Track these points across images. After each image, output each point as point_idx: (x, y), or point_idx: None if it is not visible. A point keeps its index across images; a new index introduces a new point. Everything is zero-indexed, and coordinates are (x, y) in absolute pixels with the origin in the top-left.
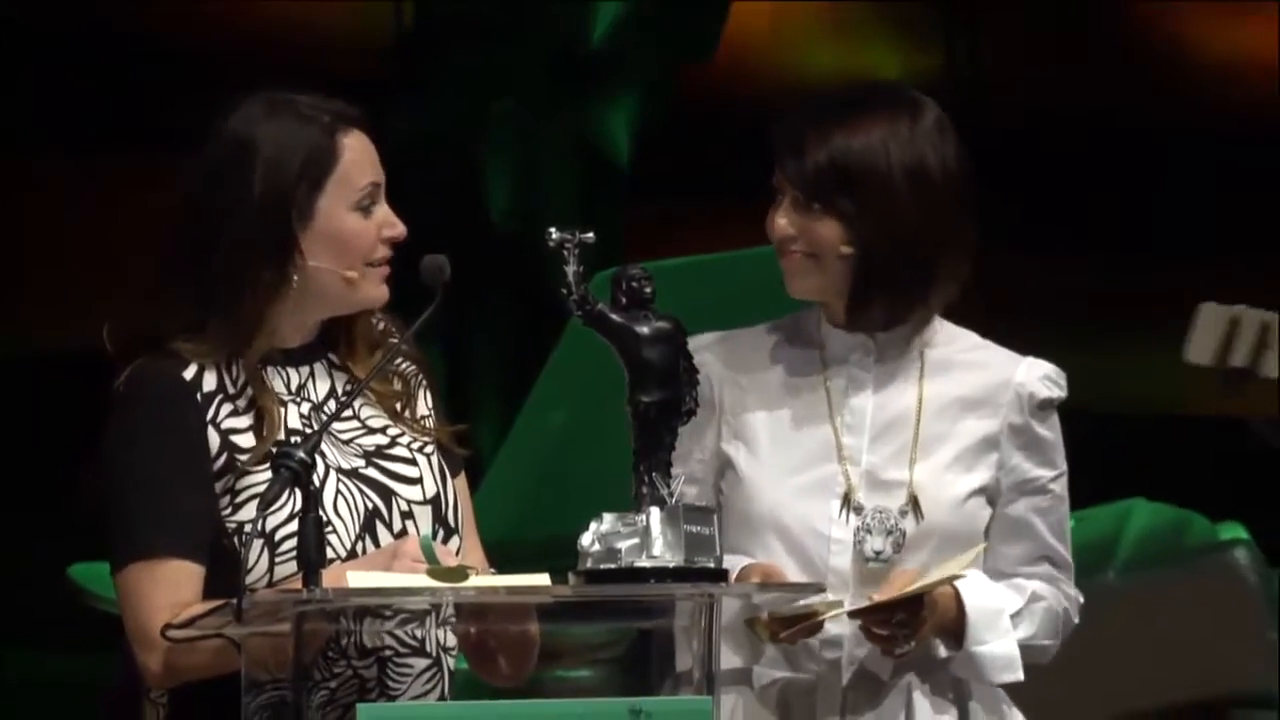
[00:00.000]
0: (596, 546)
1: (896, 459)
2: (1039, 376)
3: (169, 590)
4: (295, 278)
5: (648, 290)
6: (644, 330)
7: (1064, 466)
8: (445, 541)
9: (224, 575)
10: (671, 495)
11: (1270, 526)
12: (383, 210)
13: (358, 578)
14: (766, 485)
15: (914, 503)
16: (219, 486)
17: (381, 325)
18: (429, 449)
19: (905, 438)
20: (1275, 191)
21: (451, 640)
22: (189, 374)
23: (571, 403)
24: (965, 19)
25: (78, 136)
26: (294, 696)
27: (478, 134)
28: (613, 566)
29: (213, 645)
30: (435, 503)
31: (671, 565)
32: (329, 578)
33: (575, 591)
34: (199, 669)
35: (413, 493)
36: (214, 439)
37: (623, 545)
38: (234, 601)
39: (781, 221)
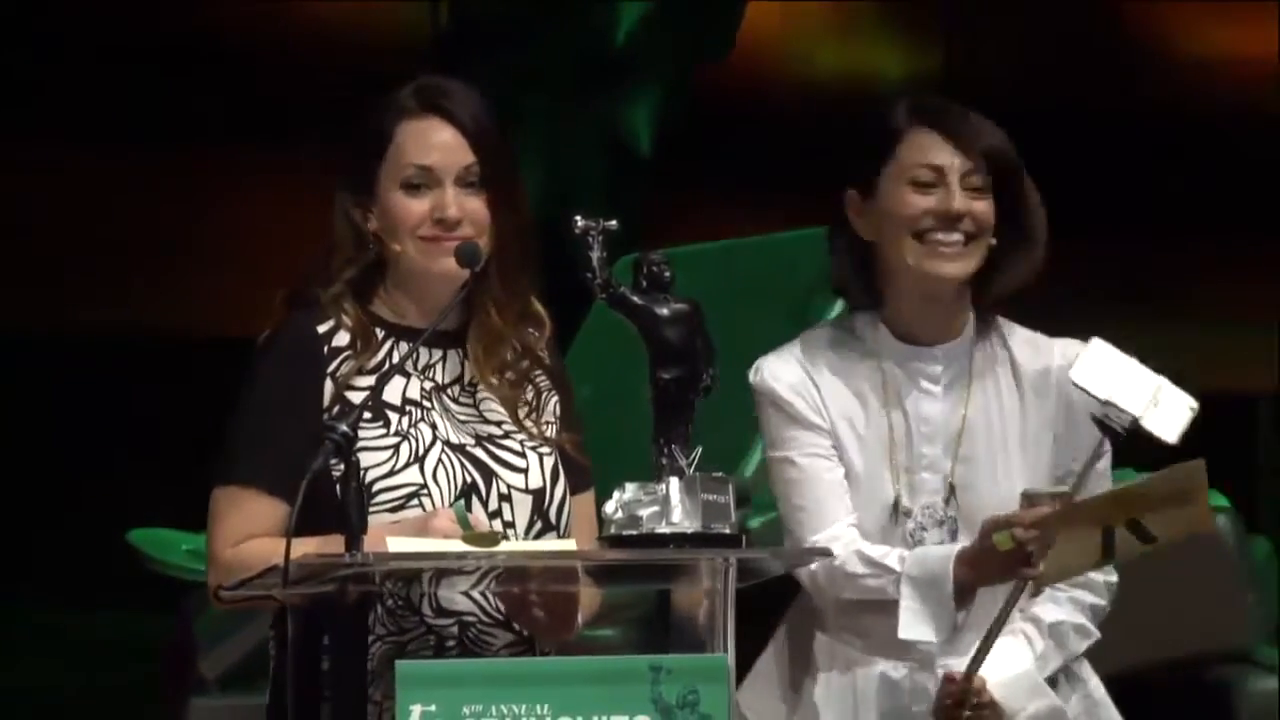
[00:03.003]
0: (619, 514)
1: (950, 459)
2: (1073, 359)
3: (245, 520)
4: (372, 247)
5: (667, 274)
6: (663, 311)
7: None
8: (540, 536)
9: (325, 517)
10: (689, 466)
11: (1247, 494)
12: (439, 193)
13: (396, 543)
14: (860, 502)
15: (951, 490)
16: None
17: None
18: (544, 450)
19: (957, 438)
20: (1263, 179)
21: None
22: (323, 328)
23: (596, 379)
24: (964, 20)
25: (127, 131)
26: (339, 652)
27: (509, 127)
28: (634, 533)
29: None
30: (538, 495)
31: (689, 531)
32: (370, 542)
33: (600, 556)
34: (252, 600)
35: (516, 479)
36: (329, 391)
37: (644, 513)
38: (279, 564)
39: (957, 202)
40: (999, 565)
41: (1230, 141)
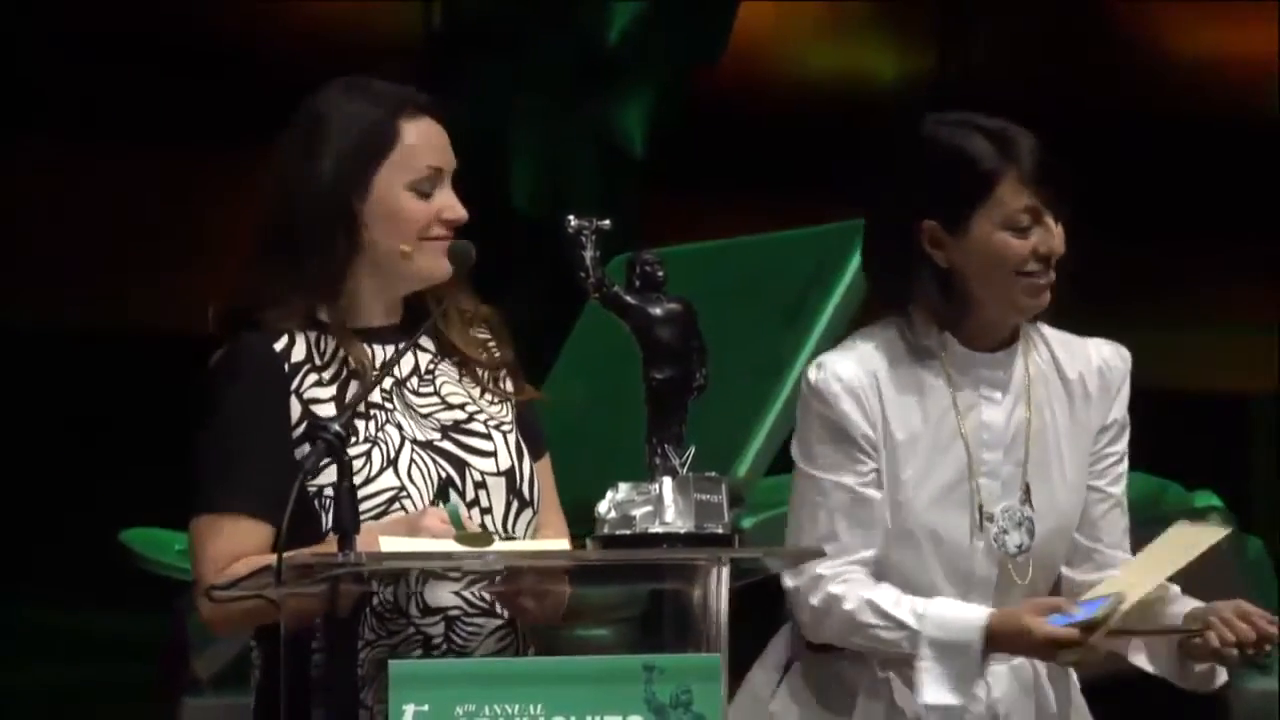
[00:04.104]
0: (613, 513)
1: (1020, 463)
2: (1113, 357)
3: (228, 544)
4: (362, 248)
5: (660, 274)
6: (656, 311)
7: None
8: (518, 515)
9: (306, 532)
10: (683, 466)
11: (1243, 495)
12: (445, 194)
13: (390, 543)
14: (921, 503)
15: (1026, 490)
16: (299, 453)
17: (480, 312)
18: (506, 427)
19: (1023, 441)
20: (1262, 180)
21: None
22: (279, 345)
23: (589, 378)
24: (957, 21)
25: (125, 131)
26: (330, 655)
27: (504, 127)
28: (628, 532)
29: (251, 601)
30: (509, 475)
31: (682, 531)
32: (363, 542)
33: (593, 556)
34: (241, 619)
35: (487, 465)
36: (295, 407)
37: (637, 512)
38: (273, 564)
39: (1057, 242)
40: (1041, 654)
41: (1229, 142)
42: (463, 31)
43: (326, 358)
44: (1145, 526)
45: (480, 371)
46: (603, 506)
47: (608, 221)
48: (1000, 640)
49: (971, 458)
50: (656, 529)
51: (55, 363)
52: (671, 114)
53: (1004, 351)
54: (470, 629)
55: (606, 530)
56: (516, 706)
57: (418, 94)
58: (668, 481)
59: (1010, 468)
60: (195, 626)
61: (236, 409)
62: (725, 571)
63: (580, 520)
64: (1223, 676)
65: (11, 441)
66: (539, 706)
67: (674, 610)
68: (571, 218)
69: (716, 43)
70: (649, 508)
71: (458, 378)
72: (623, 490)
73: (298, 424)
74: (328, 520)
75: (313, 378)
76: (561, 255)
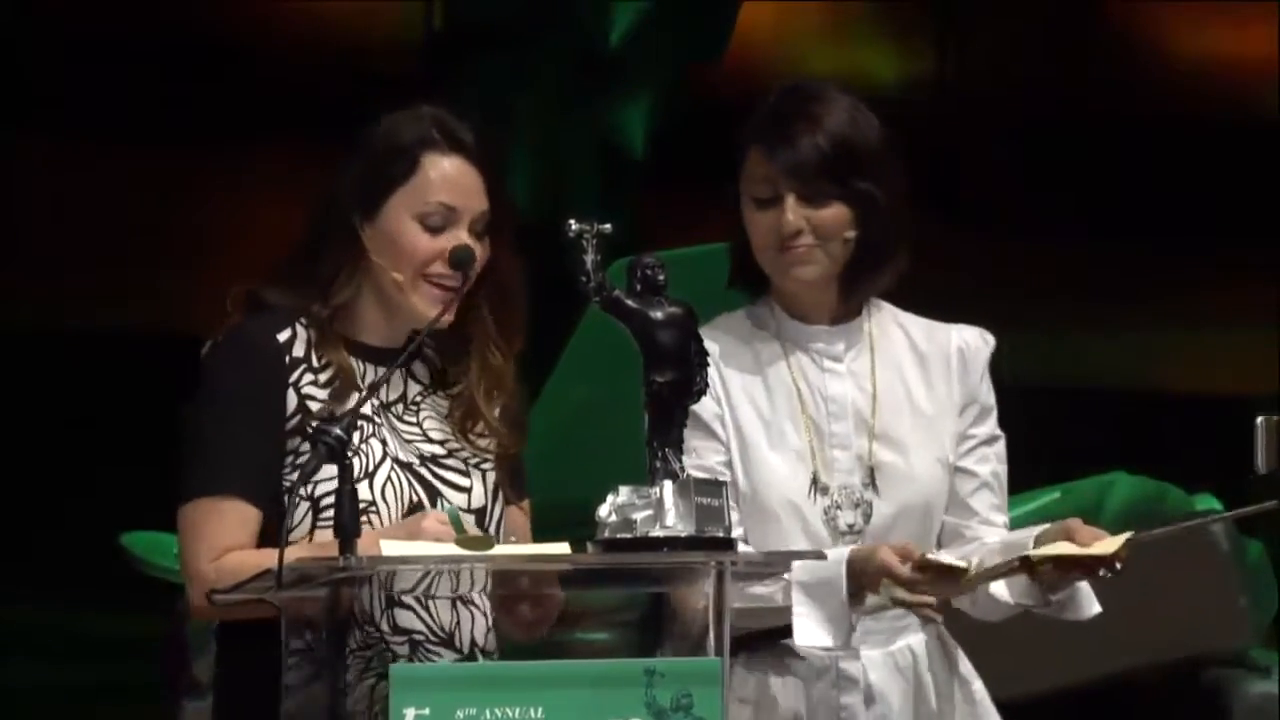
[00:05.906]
0: (613, 517)
1: (863, 438)
2: (975, 339)
3: (222, 530)
4: (368, 269)
5: (661, 277)
6: (657, 315)
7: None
8: None
9: (273, 529)
10: (683, 469)
11: (1242, 498)
12: (455, 235)
13: (390, 546)
14: (777, 478)
15: (870, 474)
16: (287, 446)
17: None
18: (486, 466)
19: (868, 417)
20: (1261, 182)
21: (490, 644)
22: (283, 336)
23: (590, 382)
24: (957, 22)
25: (125, 130)
26: (329, 657)
27: (503, 129)
28: (629, 536)
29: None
30: (480, 514)
31: (683, 535)
32: (363, 546)
33: (594, 559)
34: (233, 609)
35: (459, 499)
36: (292, 400)
37: (638, 516)
38: (275, 568)
39: (790, 217)
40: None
41: (1229, 143)
42: (463, 31)
43: (322, 361)
44: (1146, 528)
45: (461, 419)
46: (603, 510)
47: (609, 225)
48: (857, 569)
49: (818, 430)
50: (657, 532)
51: (55, 362)
52: (671, 114)
53: (841, 325)
54: (432, 656)
55: (607, 534)
56: (517, 710)
57: (460, 133)
58: (668, 485)
59: (863, 441)
60: (195, 629)
61: (235, 395)
62: (726, 574)
63: (581, 524)
64: (1091, 606)
65: (11, 442)
66: (539, 710)
67: (675, 614)
68: (572, 221)
69: (717, 42)
70: (650, 511)
71: (444, 414)
72: (623, 494)
73: (293, 415)
74: (292, 519)
75: (309, 376)
76: (562, 257)
